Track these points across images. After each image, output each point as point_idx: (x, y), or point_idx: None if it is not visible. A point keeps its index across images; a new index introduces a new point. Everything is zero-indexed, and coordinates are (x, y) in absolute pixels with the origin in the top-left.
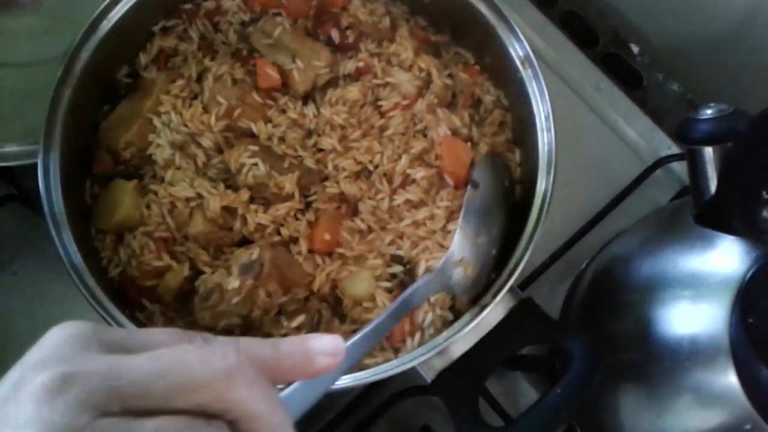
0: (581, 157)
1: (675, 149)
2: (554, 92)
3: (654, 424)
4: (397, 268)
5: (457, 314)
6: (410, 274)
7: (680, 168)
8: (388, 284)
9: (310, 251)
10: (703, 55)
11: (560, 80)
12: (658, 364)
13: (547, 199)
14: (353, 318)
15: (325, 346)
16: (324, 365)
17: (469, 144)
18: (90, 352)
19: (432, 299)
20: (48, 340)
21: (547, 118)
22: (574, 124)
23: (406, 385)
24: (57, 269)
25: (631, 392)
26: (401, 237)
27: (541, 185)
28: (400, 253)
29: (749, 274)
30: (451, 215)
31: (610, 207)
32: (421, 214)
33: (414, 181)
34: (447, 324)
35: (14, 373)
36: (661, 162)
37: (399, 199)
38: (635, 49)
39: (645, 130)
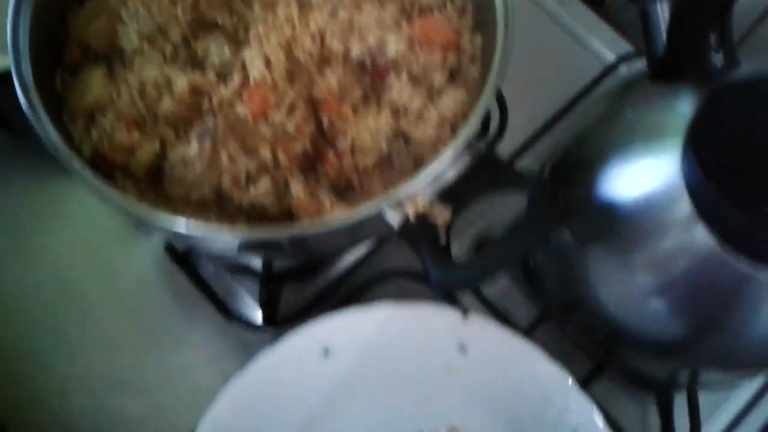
0: (543, 62)
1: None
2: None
3: (623, 281)
4: None
5: None
6: None
7: (643, 65)
8: None
9: None
10: None
11: None
12: (620, 219)
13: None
14: None
15: None
16: None
17: None
18: None
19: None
20: None
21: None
22: (537, 35)
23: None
24: (37, 185)
25: (600, 254)
26: None
27: (500, 32)
28: None
29: (698, 109)
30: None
31: (571, 104)
32: None
33: None
34: None
35: None
36: (623, 59)
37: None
38: None
39: (608, 38)
